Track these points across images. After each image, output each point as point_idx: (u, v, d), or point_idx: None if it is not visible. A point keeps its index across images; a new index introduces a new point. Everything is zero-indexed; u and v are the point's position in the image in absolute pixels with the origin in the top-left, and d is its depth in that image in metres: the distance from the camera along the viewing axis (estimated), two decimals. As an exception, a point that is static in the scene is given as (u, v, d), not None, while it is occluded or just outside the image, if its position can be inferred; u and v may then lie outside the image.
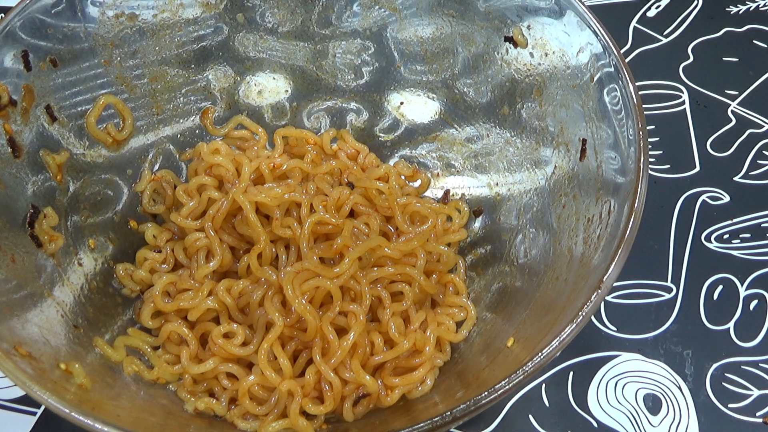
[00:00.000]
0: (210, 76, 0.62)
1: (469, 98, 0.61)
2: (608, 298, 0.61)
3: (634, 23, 0.78)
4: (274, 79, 0.64)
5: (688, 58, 0.75)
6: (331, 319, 0.50)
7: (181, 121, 0.61)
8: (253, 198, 0.53)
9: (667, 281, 0.62)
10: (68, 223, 0.54)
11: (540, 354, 0.40)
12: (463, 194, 0.62)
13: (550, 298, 0.49)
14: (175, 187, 0.59)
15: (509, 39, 0.56)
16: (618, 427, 0.56)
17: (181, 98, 0.61)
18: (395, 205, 0.56)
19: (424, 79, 0.62)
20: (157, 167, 0.60)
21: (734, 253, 0.63)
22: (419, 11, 0.60)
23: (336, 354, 0.49)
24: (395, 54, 0.62)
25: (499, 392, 0.39)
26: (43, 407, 0.56)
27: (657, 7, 0.79)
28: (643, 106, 0.47)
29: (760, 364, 0.58)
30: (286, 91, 0.64)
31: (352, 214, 0.57)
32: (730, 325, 0.60)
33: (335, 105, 0.64)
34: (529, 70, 0.55)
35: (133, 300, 0.56)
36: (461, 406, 0.39)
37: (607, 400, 0.57)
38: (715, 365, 0.58)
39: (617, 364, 0.58)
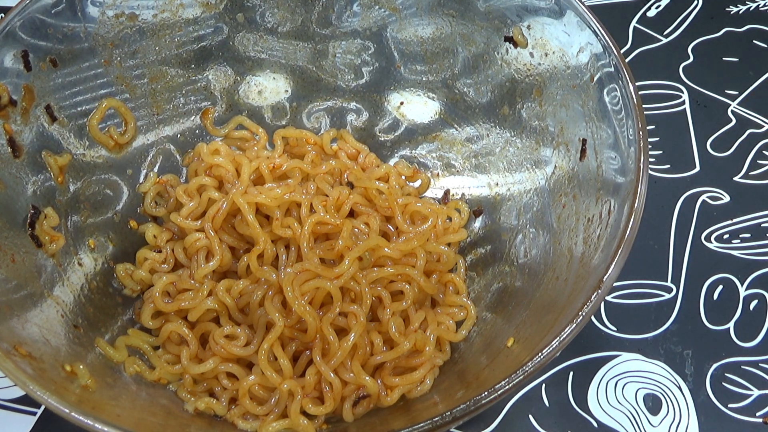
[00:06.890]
0: (210, 76, 0.62)
1: (469, 98, 0.61)
2: (608, 298, 0.61)
3: (634, 23, 0.78)
4: (274, 79, 0.63)
5: (688, 58, 0.75)
6: (332, 320, 0.50)
7: (181, 121, 0.61)
8: (253, 199, 0.53)
9: (667, 281, 0.62)
10: (68, 223, 0.54)
11: (540, 354, 0.40)
12: (463, 194, 0.62)
13: (550, 298, 0.48)
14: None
15: (509, 39, 0.56)
16: (618, 427, 0.56)
17: (181, 98, 0.61)
18: (395, 205, 0.56)
19: (424, 79, 0.62)
20: (157, 167, 0.60)
21: (734, 253, 0.63)
22: (419, 11, 0.60)
23: (336, 355, 0.49)
24: (395, 54, 0.62)
25: (499, 392, 0.39)
26: (43, 407, 0.56)
27: (657, 7, 0.79)
28: (643, 106, 0.47)
29: (760, 364, 0.58)
30: (286, 91, 0.64)
31: (352, 214, 0.57)
32: (730, 325, 0.60)
33: (335, 105, 0.64)
34: (529, 70, 0.55)
35: (133, 300, 0.56)
36: (461, 406, 0.39)
37: (607, 400, 0.57)
38: (715, 365, 0.58)
39: (617, 364, 0.58)
